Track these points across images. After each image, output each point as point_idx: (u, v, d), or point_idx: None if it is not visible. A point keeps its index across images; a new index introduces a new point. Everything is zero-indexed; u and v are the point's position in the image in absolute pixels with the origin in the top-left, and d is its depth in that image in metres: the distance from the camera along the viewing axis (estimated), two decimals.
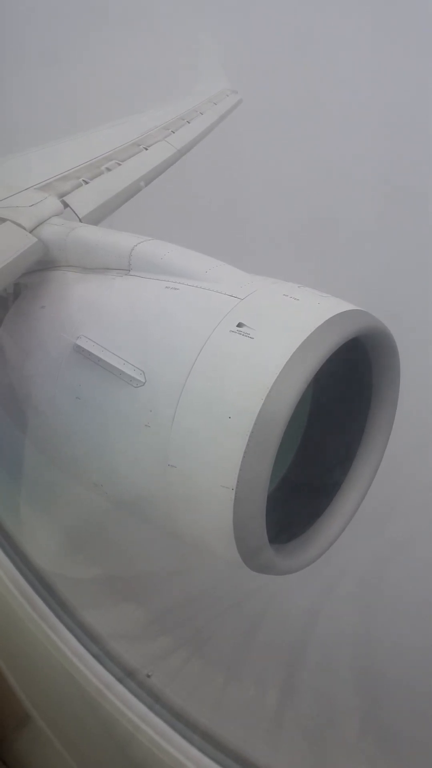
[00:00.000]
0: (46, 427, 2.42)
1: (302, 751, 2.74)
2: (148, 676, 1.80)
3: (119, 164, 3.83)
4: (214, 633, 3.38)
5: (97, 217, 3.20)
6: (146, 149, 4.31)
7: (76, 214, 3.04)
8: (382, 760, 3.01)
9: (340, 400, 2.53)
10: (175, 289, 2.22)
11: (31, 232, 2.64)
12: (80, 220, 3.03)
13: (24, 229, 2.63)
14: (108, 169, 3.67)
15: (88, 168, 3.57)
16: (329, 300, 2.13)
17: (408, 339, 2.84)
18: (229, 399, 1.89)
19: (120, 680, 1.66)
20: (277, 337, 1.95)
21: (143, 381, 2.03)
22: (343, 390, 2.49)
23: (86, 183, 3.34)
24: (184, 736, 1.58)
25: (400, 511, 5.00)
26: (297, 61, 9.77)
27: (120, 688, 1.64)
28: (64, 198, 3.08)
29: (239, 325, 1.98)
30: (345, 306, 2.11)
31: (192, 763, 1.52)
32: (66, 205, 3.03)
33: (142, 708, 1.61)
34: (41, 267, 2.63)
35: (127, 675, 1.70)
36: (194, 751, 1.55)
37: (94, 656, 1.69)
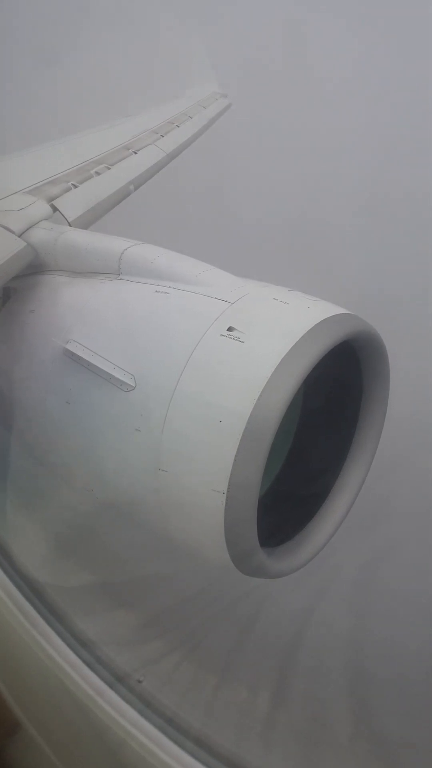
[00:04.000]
0: (35, 433, 2.41)
1: (294, 754, 2.73)
2: (140, 682, 1.79)
3: (108, 168, 3.82)
4: (205, 637, 3.37)
5: (87, 221, 3.19)
6: (135, 153, 4.31)
7: (66, 218, 3.03)
8: (374, 763, 3.01)
9: (330, 403, 2.54)
10: (165, 293, 2.21)
11: (20, 236, 2.63)
12: (69, 224, 3.03)
13: (13, 233, 2.62)
14: (97, 173, 3.67)
15: (78, 172, 3.56)
16: (319, 304, 2.14)
17: (398, 343, 2.86)
18: (219, 403, 1.89)
19: (111, 686, 1.65)
20: (267, 341, 1.95)
21: (133, 385, 2.03)
22: (334, 393, 2.49)
23: (75, 187, 3.34)
24: (175, 741, 1.57)
25: (391, 514, 5.02)
26: (286, 65, 9.80)
27: (111, 693, 1.63)
28: (53, 202, 3.07)
29: (229, 329, 1.98)
30: (335, 310, 2.12)
31: None
32: (55, 209, 3.02)
33: (134, 714, 1.60)
34: (30, 271, 2.62)
35: (118, 680, 1.69)
36: (186, 756, 1.55)
37: (85, 662, 1.68)
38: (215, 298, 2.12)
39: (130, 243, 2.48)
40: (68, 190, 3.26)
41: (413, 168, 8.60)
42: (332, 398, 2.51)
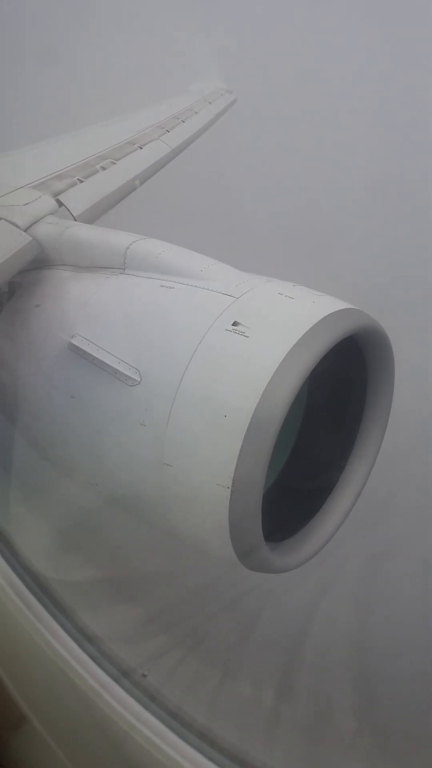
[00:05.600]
0: (40, 427, 2.41)
1: (298, 749, 2.74)
2: (144, 676, 1.79)
3: (114, 163, 3.82)
4: (209, 632, 3.37)
5: (92, 215, 3.19)
6: (141, 148, 4.30)
7: (71, 213, 3.03)
8: (378, 759, 3.02)
9: (335, 398, 2.53)
10: (170, 287, 2.21)
11: (25, 230, 2.63)
12: (75, 219, 3.02)
13: (18, 227, 2.62)
14: (103, 168, 3.66)
15: (83, 167, 3.56)
16: (324, 299, 2.13)
17: (403, 338, 2.85)
18: (224, 397, 1.89)
19: (116, 680, 1.65)
20: (272, 336, 1.95)
21: (138, 380, 2.03)
22: (338, 388, 2.49)
23: (81, 182, 3.33)
24: (180, 736, 1.57)
25: (396, 509, 5.01)
26: (291, 60, 9.77)
27: (116, 687, 1.63)
28: (59, 197, 3.07)
29: (234, 323, 1.98)
30: (340, 305, 2.12)
31: (188, 762, 1.52)
32: (61, 204, 3.02)
33: (138, 708, 1.60)
34: (36, 266, 2.62)
35: (122, 675, 1.69)
36: (190, 750, 1.55)
37: (90, 656, 1.68)
38: (220, 292, 2.12)
39: (135, 238, 2.48)
40: (74, 184, 3.26)
41: (418, 163, 8.56)
42: (337, 393, 2.51)
